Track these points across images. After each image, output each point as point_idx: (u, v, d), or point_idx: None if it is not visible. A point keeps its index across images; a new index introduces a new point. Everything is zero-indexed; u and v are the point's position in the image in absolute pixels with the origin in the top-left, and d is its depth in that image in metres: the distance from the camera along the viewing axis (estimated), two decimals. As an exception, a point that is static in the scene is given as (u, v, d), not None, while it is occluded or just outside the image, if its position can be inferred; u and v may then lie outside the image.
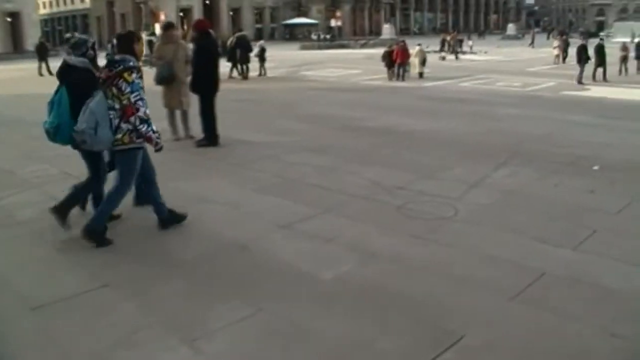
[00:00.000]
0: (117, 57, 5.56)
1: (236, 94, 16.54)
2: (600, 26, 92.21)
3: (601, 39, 24.27)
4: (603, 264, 5.14)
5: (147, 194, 6.07)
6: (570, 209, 6.62)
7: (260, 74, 23.64)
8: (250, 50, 23.32)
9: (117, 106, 5.38)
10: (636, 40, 25.97)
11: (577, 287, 4.69)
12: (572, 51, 33.27)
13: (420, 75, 23.29)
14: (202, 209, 6.62)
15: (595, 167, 8.47)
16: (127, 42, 5.77)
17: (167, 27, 10.68)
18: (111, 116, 5.38)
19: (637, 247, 5.54)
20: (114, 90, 5.37)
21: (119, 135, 5.43)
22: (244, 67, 22.75)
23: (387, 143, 10.32)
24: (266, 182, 7.73)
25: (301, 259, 5.21)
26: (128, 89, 5.32)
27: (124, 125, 5.40)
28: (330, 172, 8.23)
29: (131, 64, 5.43)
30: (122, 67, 5.38)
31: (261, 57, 24.20)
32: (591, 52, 22.03)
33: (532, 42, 51.38)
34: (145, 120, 5.41)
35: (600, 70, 22.07)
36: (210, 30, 10.46)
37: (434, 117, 13.16)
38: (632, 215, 6.48)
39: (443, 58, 33.98)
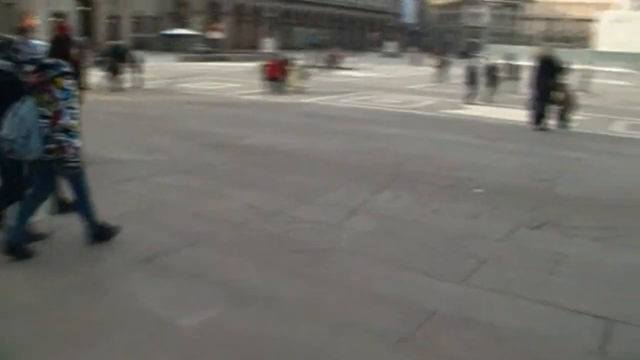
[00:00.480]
0: (49, 61, 5.03)
1: (106, 106, 15.48)
2: (474, 47, 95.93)
3: (492, 61, 24.84)
4: (493, 299, 4.84)
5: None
6: (456, 236, 6.33)
7: (135, 86, 22.52)
8: (125, 60, 22.19)
9: (48, 113, 4.87)
10: (512, 62, 26.82)
11: (468, 327, 4.34)
12: (453, 71, 34.44)
13: (300, 90, 23.00)
14: (55, 237, 5.78)
15: (478, 190, 8.30)
16: (61, 45, 5.19)
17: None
18: (42, 124, 4.87)
19: (524, 278, 5.31)
20: (46, 96, 4.86)
21: (52, 145, 4.94)
22: (118, 78, 21.58)
23: (265, 163, 9.76)
24: (130, 207, 6.90)
25: (162, 302, 4.54)
26: (61, 96, 4.88)
27: (54, 135, 4.93)
28: (202, 196, 7.54)
29: (65, 69, 4.98)
30: (55, 72, 4.90)
31: (137, 68, 23.10)
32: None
33: (416, 61, 52.58)
34: (66, 130, 4.95)
35: (488, 90, 22.53)
36: (68, 36, 9.56)
37: (314, 136, 12.72)
38: (517, 242, 6.28)
39: (315, 73, 33.78)
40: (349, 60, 45.85)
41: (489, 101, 21.84)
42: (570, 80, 17.05)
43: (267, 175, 8.87)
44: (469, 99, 21.62)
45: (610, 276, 5.50)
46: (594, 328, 4.46)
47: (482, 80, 22.54)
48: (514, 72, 26.69)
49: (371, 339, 4.10)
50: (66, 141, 4.99)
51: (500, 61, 26.38)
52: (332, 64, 40.93)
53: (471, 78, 22.16)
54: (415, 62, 52.46)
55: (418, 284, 5.07)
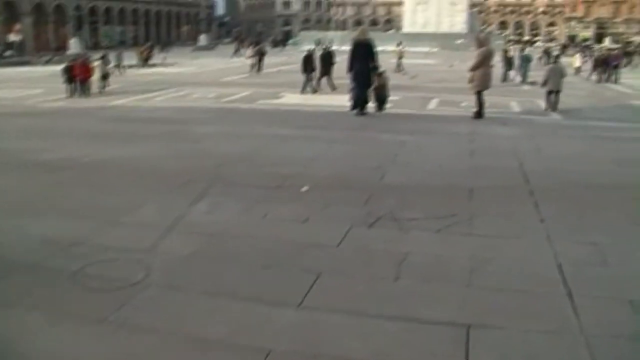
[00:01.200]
0: None
1: None
2: (288, 35, 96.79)
3: (325, 48, 24.03)
4: (337, 323, 4.18)
5: None
6: (287, 248, 5.62)
7: None
8: None
9: None
10: (324, 47, 26.65)
11: (311, 367, 3.64)
12: (269, 60, 33.97)
13: (107, 91, 21.61)
14: None
15: (304, 189, 7.67)
16: None
17: None
18: None
19: (368, 289, 4.73)
20: None
21: None
22: None
23: (65, 181, 8.44)
24: None
25: None
26: None
27: None
28: (-14, 231, 6.20)
29: None
30: None
31: None
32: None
33: (236, 51, 51.62)
34: None
35: (324, 78, 21.88)
36: None
37: (123, 142, 11.36)
38: (354, 246, 5.69)
39: (126, 71, 32.13)
40: (161, 55, 44.27)
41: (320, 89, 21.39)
42: (384, 62, 17.08)
43: (68, 195, 7.62)
44: (307, 87, 21.07)
45: (457, 272, 5.06)
46: (451, 339, 3.97)
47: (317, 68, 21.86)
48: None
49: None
50: None
51: (334, 47, 26.12)
52: (143, 61, 39.23)
53: (307, 66, 21.49)
54: (227, 54, 51.66)
55: (249, 316, 4.28)
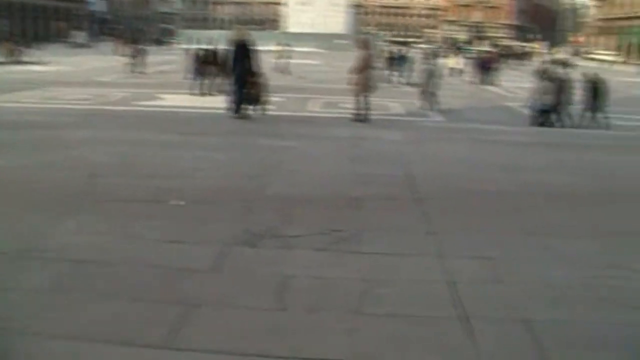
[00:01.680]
0: None
1: None
2: (169, 33, 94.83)
3: (214, 47, 22.85)
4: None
5: None
6: (159, 273, 5.01)
7: None
8: None
9: None
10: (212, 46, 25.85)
11: None
12: (149, 59, 32.72)
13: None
14: None
15: (179, 202, 7.07)
16: None
17: None
18: None
19: (248, 322, 4.23)
20: None
21: None
22: None
23: None
24: None
25: None
26: None
27: None
28: None
29: None
30: None
31: None
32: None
33: (116, 50, 49.65)
34: None
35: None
36: None
37: None
38: (232, 269, 5.17)
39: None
40: (32, 52, 41.89)
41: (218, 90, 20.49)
42: (266, 62, 16.65)
43: None
44: (201, 89, 20.16)
45: (346, 297, 4.64)
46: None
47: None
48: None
49: None
50: None
51: (186, 46, 25.43)
52: (10, 57, 36.95)
53: (198, 66, 20.57)
54: (105, 52, 49.65)
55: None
